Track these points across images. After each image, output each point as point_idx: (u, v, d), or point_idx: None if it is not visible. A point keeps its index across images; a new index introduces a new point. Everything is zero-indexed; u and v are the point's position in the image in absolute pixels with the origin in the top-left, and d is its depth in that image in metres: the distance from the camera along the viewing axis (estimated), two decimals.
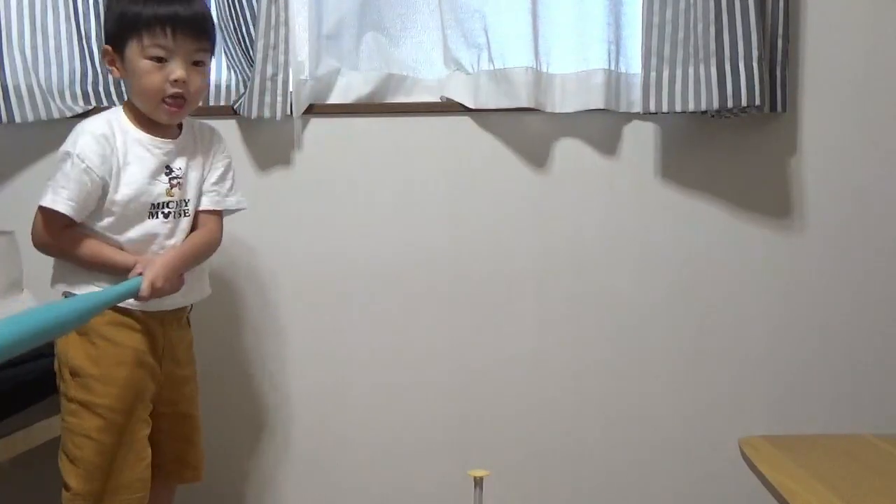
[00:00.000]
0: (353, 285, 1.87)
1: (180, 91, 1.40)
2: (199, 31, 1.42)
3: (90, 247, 1.40)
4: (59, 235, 1.40)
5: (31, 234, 1.42)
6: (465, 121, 1.85)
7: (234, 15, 1.80)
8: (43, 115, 1.81)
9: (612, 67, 1.80)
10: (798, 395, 1.84)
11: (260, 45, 1.74)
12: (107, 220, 1.41)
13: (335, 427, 1.89)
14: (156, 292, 1.36)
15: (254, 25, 1.78)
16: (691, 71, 1.71)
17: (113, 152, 1.40)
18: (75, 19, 1.86)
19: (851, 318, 1.83)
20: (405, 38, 1.90)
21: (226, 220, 1.86)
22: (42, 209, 1.38)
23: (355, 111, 1.86)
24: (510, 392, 1.87)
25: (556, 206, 1.85)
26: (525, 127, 1.84)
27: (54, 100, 1.84)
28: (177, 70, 1.39)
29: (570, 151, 1.85)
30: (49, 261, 1.83)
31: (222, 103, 1.89)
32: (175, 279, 1.41)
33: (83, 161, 1.36)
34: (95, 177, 1.37)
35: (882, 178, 1.81)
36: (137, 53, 1.38)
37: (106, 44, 1.44)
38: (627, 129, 1.84)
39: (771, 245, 1.83)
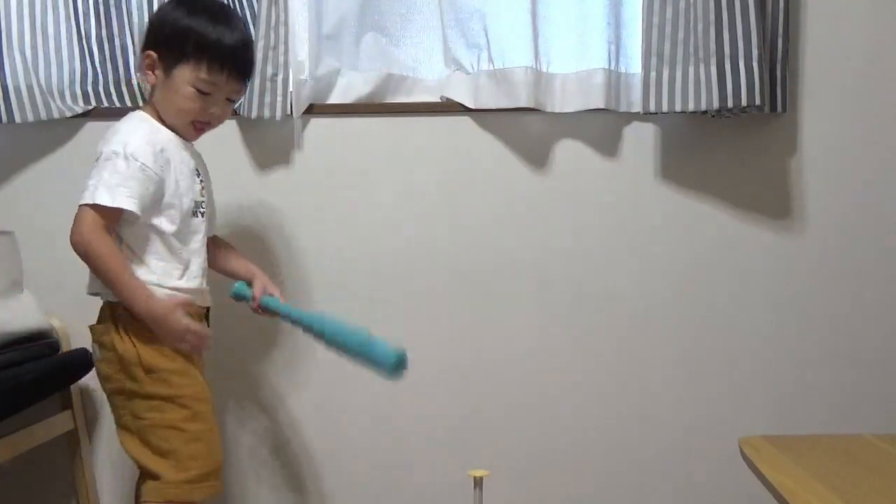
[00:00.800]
0: (353, 285, 1.87)
1: (209, 120, 1.49)
2: (247, 77, 1.52)
3: (122, 266, 1.39)
4: (103, 238, 1.39)
5: (74, 233, 1.39)
6: (465, 121, 1.85)
7: None
8: (43, 115, 1.81)
9: (612, 67, 1.80)
10: (798, 395, 1.84)
11: (260, 45, 1.74)
12: (166, 217, 1.44)
13: (335, 426, 1.89)
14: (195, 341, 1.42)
15: (254, 25, 1.78)
16: (691, 71, 1.71)
17: (162, 151, 1.43)
18: (75, 19, 1.86)
19: (851, 317, 1.83)
20: (405, 38, 1.90)
21: (226, 220, 1.87)
22: (96, 207, 1.37)
23: (355, 111, 1.86)
24: (510, 392, 1.87)
25: (556, 206, 1.85)
26: (525, 127, 1.84)
27: (54, 100, 1.84)
28: (216, 106, 1.48)
29: (570, 151, 1.85)
30: (48, 261, 1.84)
31: None
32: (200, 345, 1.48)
33: (137, 159, 1.39)
34: (152, 174, 1.40)
35: (882, 178, 1.81)
36: (187, 78, 1.43)
37: (151, 49, 1.45)
38: (627, 130, 1.84)
39: (771, 245, 1.83)
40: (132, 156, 1.38)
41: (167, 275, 1.44)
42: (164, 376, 1.41)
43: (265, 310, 1.57)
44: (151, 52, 1.45)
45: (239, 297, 1.58)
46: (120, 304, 1.41)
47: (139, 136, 1.42)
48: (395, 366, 1.31)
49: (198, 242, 1.50)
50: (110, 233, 1.40)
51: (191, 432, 1.41)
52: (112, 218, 1.39)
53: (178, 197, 1.45)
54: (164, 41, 1.45)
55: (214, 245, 1.62)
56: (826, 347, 1.83)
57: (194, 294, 1.48)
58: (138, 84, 1.87)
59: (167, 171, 1.44)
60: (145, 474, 1.42)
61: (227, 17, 1.49)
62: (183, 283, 1.46)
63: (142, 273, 1.41)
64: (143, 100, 1.88)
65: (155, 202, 1.42)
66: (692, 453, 1.86)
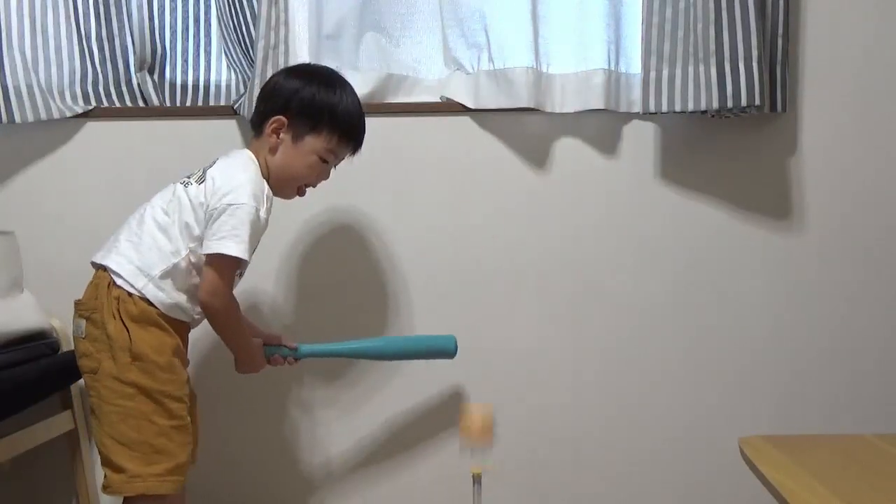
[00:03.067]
0: (352, 285, 1.87)
1: (314, 185, 1.58)
2: (360, 146, 1.59)
3: (241, 323, 1.54)
4: (234, 301, 1.48)
5: (209, 293, 1.43)
6: (465, 121, 1.85)
7: (234, 15, 1.80)
8: (43, 115, 1.81)
9: (612, 67, 1.80)
10: (798, 395, 1.84)
11: (260, 45, 1.74)
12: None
13: (336, 425, 1.89)
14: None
15: (254, 25, 1.78)
16: (691, 71, 1.71)
17: (269, 212, 1.50)
18: (75, 19, 1.86)
19: (851, 317, 1.83)
20: (405, 38, 1.90)
21: None
22: (228, 258, 1.42)
23: None
24: (510, 391, 1.87)
25: (556, 206, 1.85)
26: (525, 127, 1.84)
27: (54, 100, 1.84)
28: (328, 173, 1.57)
29: (570, 151, 1.85)
30: (48, 261, 1.84)
31: (222, 103, 1.90)
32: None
33: (261, 217, 1.45)
34: (263, 226, 1.48)
35: (882, 178, 1.81)
36: (315, 147, 1.51)
37: (281, 114, 1.50)
38: (627, 129, 1.84)
39: (771, 245, 1.83)
40: (258, 211, 1.44)
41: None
42: (148, 367, 1.41)
43: (304, 357, 1.63)
44: (282, 119, 1.50)
45: (272, 356, 1.62)
46: (122, 289, 1.42)
47: (261, 189, 1.47)
48: (456, 347, 1.68)
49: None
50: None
51: (160, 426, 1.41)
52: (235, 271, 1.46)
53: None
54: (301, 111, 1.50)
55: None
56: (826, 347, 1.83)
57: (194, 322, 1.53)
58: (138, 84, 1.88)
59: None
60: (109, 468, 1.42)
61: (348, 89, 1.56)
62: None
63: (167, 287, 1.44)
64: (144, 100, 1.89)
65: None
66: (692, 453, 1.86)
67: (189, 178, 1.50)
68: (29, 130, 1.85)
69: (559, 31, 1.82)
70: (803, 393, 1.84)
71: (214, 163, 1.51)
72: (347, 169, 1.85)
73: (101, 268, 1.47)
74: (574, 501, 1.88)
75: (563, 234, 1.85)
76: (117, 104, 1.88)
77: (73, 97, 1.87)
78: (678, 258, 1.84)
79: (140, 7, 1.86)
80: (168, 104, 1.89)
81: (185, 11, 1.89)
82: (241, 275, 1.52)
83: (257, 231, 1.45)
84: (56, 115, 1.83)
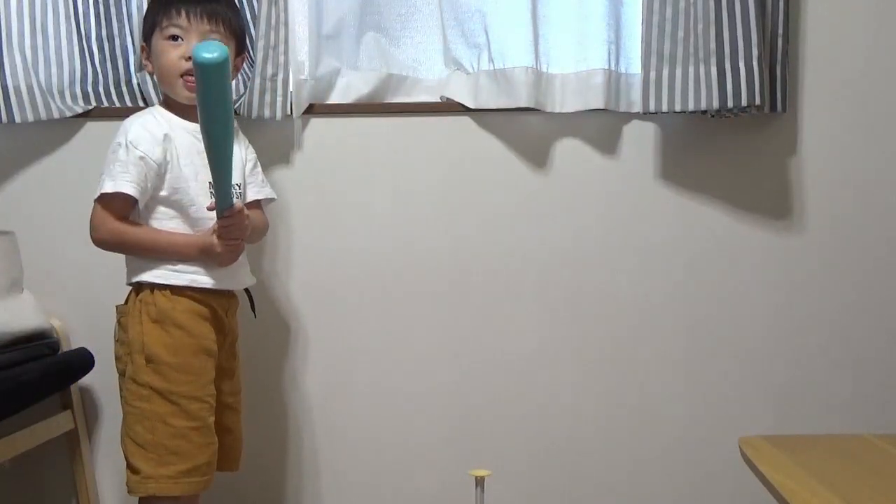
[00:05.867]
0: (352, 285, 1.87)
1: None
2: (210, 13, 1.53)
3: (148, 233, 1.49)
4: (118, 226, 1.47)
5: (91, 228, 1.48)
6: (465, 121, 1.85)
7: None
8: (43, 115, 1.81)
9: (612, 67, 1.80)
10: (798, 395, 1.84)
11: (260, 45, 1.74)
12: (171, 201, 1.49)
13: (336, 426, 1.89)
14: (230, 239, 1.47)
15: (254, 25, 1.78)
16: (691, 70, 1.71)
17: (165, 138, 1.49)
18: (75, 19, 1.86)
19: (851, 317, 1.83)
20: (405, 38, 1.90)
21: None
22: (103, 196, 1.45)
23: (355, 111, 1.86)
24: (511, 392, 1.87)
25: (556, 206, 1.85)
26: (525, 127, 1.84)
27: (54, 100, 1.84)
28: (188, 50, 1.47)
29: (569, 151, 1.85)
30: (48, 261, 1.84)
31: None
32: (241, 242, 1.51)
33: (137, 148, 1.45)
34: (151, 162, 1.46)
35: (882, 178, 1.81)
36: (158, 37, 1.52)
37: (143, 42, 1.57)
38: (627, 129, 1.84)
39: (771, 245, 1.83)
40: (131, 143, 1.46)
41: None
42: (161, 369, 1.43)
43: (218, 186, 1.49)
44: (143, 44, 1.58)
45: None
46: (144, 286, 1.46)
47: (138, 126, 1.50)
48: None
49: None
50: (125, 218, 1.47)
51: (176, 428, 1.43)
52: (120, 207, 1.46)
53: (185, 181, 1.49)
54: (144, 31, 1.56)
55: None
56: (826, 347, 1.83)
57: (218, 279, 1.50)
58: (138, 84, 1.87)
59: (168, 157, 1.48)
60: (127, 469, 1.45)
61: None
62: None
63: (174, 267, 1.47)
64: (143, 100, 1.88)
65: (157, 188, 1.47)
66: (692, 453, 1.86)
67: None
68: (29, 130, 1.85)
69: (559, 31, 1.82)
70: (803, 393, 1.84)
71: None
72: (347, 169, 1.86)
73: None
74: (574, 501, 1.88)
75: (563, 234, 1.85)
76: (117, 104, 1.88)
77: (73, 97, 1.87)
78: (678, 258, 1.84)
79: (140, 7, 1.85)
80: None
81: None
82: (182, 206, 1.49)
83: (131, 161, 1.44)
84: (56, 115, 1.82)
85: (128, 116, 1.53)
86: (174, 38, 1.50)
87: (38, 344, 1.72)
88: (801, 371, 1.84)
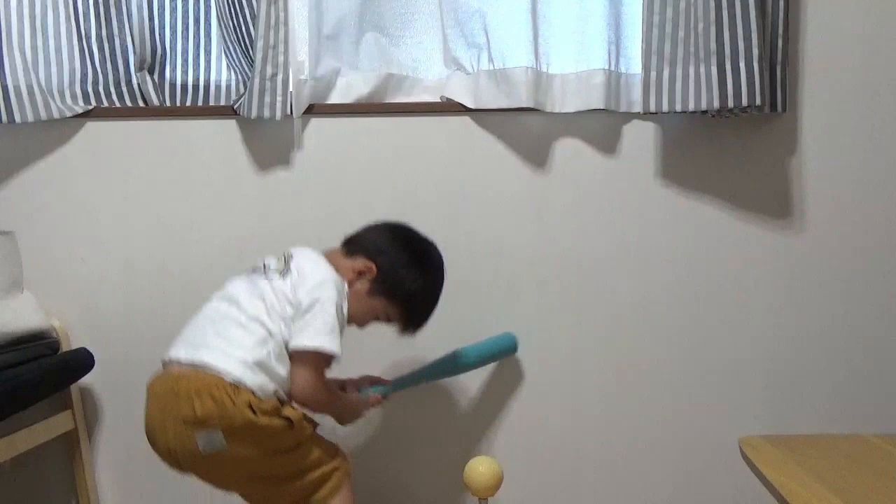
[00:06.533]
0: None
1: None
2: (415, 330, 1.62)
3: (333, 397, 1.54)
4: (327, 395, 1.49)
5: (305, 385, 1.41)
6: (465, 121, 1.85)
7: (234, 15, 1.80)
8: (43, 115, 1.81)
9: (612, 67, 1.80)
10: (798, 395, 1.84)
11: (260, 45, 1.74)
12: None
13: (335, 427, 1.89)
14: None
15: (254, 25, 1.78)
16: (691, 70, 1.71)
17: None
18: (75, 19, 1.86)
19: (851, 317, 1.83)
20: (405, 38, 1.90)
21: (226, 220, 1.87)
22: (323, 354, 1.41)
23: (355, 111, 1.86)
24: (509, 392, 1.87)
25: (556, 206, 1.85)
26: (525, 127, 1.84)
27: (54, 100, 1.84)
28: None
29: (570, 151, 1.85)
30: (48, 261, 1.84)
31: (222, 103, 1.90)
32: None
33: (344, 312, 1.45)
34: (344, 322, 1.47)
35: (882, 178, 1.81)
36: (381, 308, 1.53)
37: (374, 264, 1.52)
38: (627, 129, 1.84)
39: (771, 245, 1.83)
40: (342, 307, 1.45)
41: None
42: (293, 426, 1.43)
43: (397, 390, 1.67)
44: (373, 269, 1.52)
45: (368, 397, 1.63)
46: (247, 391, 1.34)
47: (342, 285, 1.47)
48: (517, 344, 1.81)
49: None
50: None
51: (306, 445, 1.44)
52: (327, 366, 1.45)
53: None
54: (386, 275, 1.52)
55: None
56: (826, 347, 1.83)
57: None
58: (138, 84, 1.87)
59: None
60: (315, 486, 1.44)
61: (438, 280, 1.60)
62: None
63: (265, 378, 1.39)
64: (144, 100, 1.88)
65: None
66: (692, 453, 1.86)
67: (266, 269, 1.48)
68: (29, 130, 1.85)
69: (559, 31, 1.82)
70: (803, 393, 1.84)
71: (291, 256, 1.50)
72: (347, 169, 1.86)
73: (197, 367, 1.36)
74: (574, 501, 1.88)
75: (563, 233, 1.85)
76: (117, 104, 1.88)
77: (73, 97, 1.87)
78: (678, 258, 1.84)
79: (140, 7, 1.86)
80: (168, 104, 1.89)
81: (185, 11, 1.89)
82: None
83: (343, 325, 1.45)
84: (56, 115, 1.83)
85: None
86: (380, 320, 1.55)
87: (38, 344, 1.72)
88: (801, 371, 1.84)
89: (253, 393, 1.34)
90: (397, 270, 1.52)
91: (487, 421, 1.88)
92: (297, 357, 1.40)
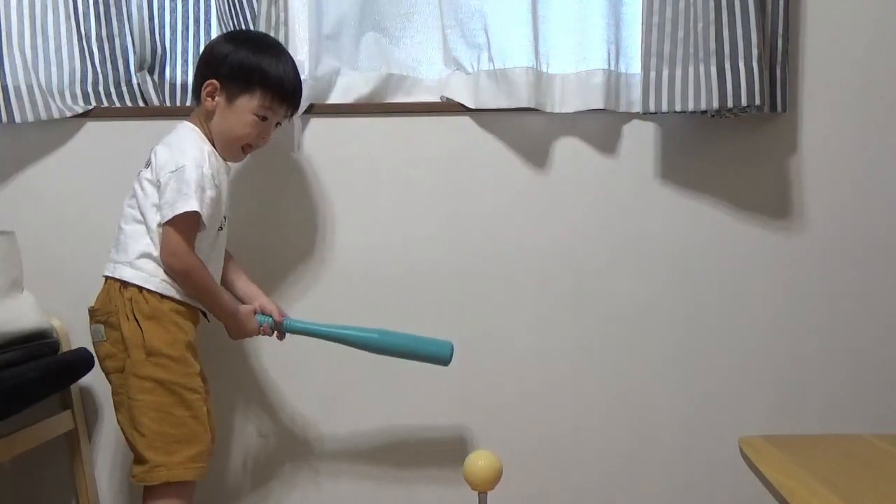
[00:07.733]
0: (352, 284, 1.87)
1: (258, 144, 1.61)
2: (297, 106, 1.66)
3: (211, 282, 1.54)
4: (196, 263, 1.51)
5: (168, 253, 1.48)
6: (465, 121, 1.85)
7: (234, 15, 1.80)
8: (43, 115, 1.81)
9: (612, 67, 1.80)
10: (798, 395, 1.84)
11: None
12: (204, 230, 1.52)
13: (337, 426, 1.89)
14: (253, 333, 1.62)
15: (254, 25, 1.78)
16: (691, 70, 1.71)
17: (219, 171, 1.55)
18: (75, 19, 1.86)
19: (851, 317, 1.83)
20: (405, 38, 1.90)
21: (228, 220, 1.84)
22: (181, 217, 1.45)
23: (355, 111, 1.86)
24: (509, 392, 1.87)
25: (556, 206, 1.85)
26: (525, 127, 1.84)
27: (54, 100, 1.84)
28: (269, 132, 1.61)
29: (570, 151, 1.85)
30: (48, 261, 1.84)
31: None
32: None
33: (202, 168, 1.49)
34: (216, 187, 1.52)
35: (882, 178, 1.81)
36: (248, 106, 1.55)
37: (213, 78, 1.55)
38: (627, 129, 1.84)
39: (771, 245, 1.83)
40: (199, 166, 1.48)
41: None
42: (162, 361, 1.48)
43: (288, 332, 1.65)
44: (214, 82, 1.55)
45: (263, 324, 1.63)
46: (133, 287, 1.48)
47: (196, 147, 1.52)
48: (451, 356, 1.62)
49: (219, 255, 1.61)
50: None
51: (177, 416, 1.48)
52: (192, 229, 1.48)
53: (220, 212, 1.55)
54: (228, 74, 1.55)
55: (226, 259, 1.68)
56: (826, 347, 1.83)
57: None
58: (138, 84, 1.87)
59: (221, 186, 1.55)
60: (135, 458, 1.49)
61: (282, 54, 1.61)
62: None
63: (166, 279, 1.50)
64: (143, 100, 1.89)
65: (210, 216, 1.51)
66: (692, 453, 1.86)
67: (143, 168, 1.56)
68: (29, 130, 1.85)
69: (559, 31, 1.82)
70: (803, 393, 1.84)
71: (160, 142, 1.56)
72: (348, 169, 1.86)
73: (109, 278, 1.53)
74: (574, 501, 1.88)
75: (563, 233, 1.85)
76: (117, 104, 1.88)
77: (73, 97, 1.87)
78: (678, 258, 1.84)
79: (140, 7, 1.86)
80: (168, 104, 1.89)
81: (185, 11, 1.89)
82: (221, 228, 1.58)
83: (205, 187, 1.48)
84: (56, 115, 1.83)
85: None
86: (263, 118, 1.57)
87: (38, 344, 1.72)
88: (800, 371, 1.84)
89: (140, 289, 1.48)
90: (234, 61, 1.55)
91: (487, 416, 1.88)
92: (163, 230, 1.48)
